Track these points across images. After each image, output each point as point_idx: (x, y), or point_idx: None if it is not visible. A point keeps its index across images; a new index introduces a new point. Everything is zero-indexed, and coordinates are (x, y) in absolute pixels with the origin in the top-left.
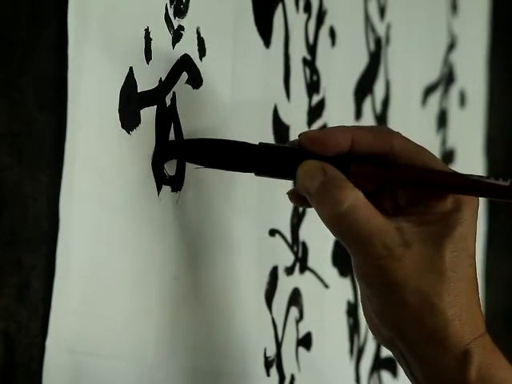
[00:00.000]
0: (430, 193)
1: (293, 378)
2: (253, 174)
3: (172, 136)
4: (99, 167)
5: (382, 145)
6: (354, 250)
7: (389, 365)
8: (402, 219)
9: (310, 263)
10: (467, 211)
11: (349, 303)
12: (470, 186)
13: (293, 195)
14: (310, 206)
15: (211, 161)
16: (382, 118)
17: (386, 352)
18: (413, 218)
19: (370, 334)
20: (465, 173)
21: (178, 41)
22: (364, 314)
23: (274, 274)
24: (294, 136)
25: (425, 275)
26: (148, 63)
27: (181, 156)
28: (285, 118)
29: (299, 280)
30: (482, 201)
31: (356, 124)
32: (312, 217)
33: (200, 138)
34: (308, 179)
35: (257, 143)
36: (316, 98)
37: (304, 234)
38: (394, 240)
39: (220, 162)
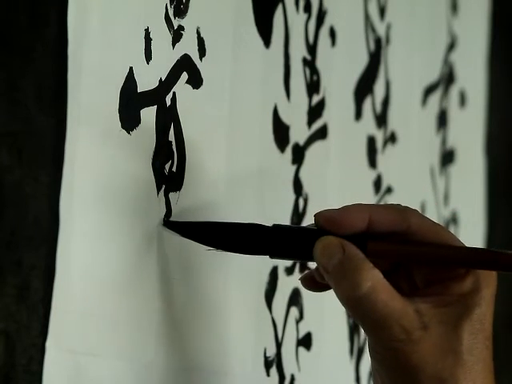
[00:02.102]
0: (449, 273)
1: (293, 378)
2: (267, 257)
3: (172, 136)
4: (99, 167)
5: (399, 223)
6: (370, 332)
7: None
8: (419, 300)
9: (310, 263)
10: (486, 292)
11: None
12: (490, 260)
13: (305, 280)
14: (324, 290)
15: (224, 244)
16: (382, 117)
17: None
18: (430, 298)
19: None
20: (483, 247)
21: (178, 41)
22: None
23: (273, 273)
24: (294, 136)
25: (442, 359)
26: (148, 63)
27: (194, 238)
28: (285, 118)
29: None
30: (481, 200)
31: (355, 124)
32: (312, 217)
33: (211, 221)
34: (326, 256)
35: (270, 225)
36: (316, 98)
37: None
38: (413, 323)
39: (233, 246)
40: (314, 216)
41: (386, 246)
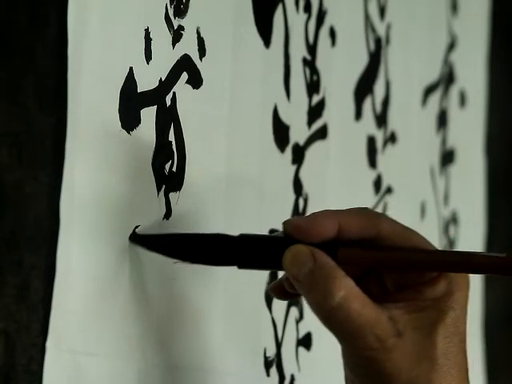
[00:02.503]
0: (421, 277)
1: (293, 378)
2: (236, 267)
3: (172, 136)
4: (99, 167)
5: (369, 229)
6: (344, 342)
7: None
8: (392, 306)
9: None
10: (459, 295)
11: None
12: (464, 262)
13: (275, 289)
14: (293, 298)
15: (191, 256)
16: (382, 117)
17: None
18: (403, 304)
19: None
20: (456, 250)
21: (178, 41)
22: None
23: (273, 273)
24: (294, 136)
25: (417, 364)
26: (148, 63)
27: (161, 251)
28: (285, 117)
29: None
30: (481, 200)
31: (355, 124)
32: None
33: (175, 233)
34: (296, 265)
35: (237, 234)
36: (316, 98)
37: None
38: (387, 331)
39: (200, 257)
40: (282, 224)
41: (356, 252)
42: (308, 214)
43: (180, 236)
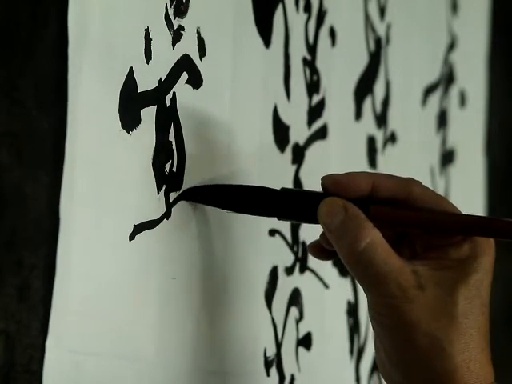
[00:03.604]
0: (447, 239)
1: (293, 378)
2: (275, 218)
3: (172, 136)
4: (99, 167)
5: (401, 191)
6: (368, 289)
7: None
8: (418, 263)
9: (310, 263)
10: (484, 259)
11: (349, 303)
12: (489, 226)
13: (313, 248)
14: (330, 259)
15: (234, 205)
16: (382, 117)
17: None
18: (429, 262)
19: (370, 334)
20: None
21: (178, 41)
22: (376, 359)
23: (273, 273)
24: (294, 136)
25: (437, 319)
26: (148, 63)
27: (204, 200)
28: (285, 117)
29: (299, 280)
30: (481, 200)
31: (355, 124)
32: None
33: (224, 184)
34: (329, 216)
35: (278, 188)
36: (316, 98)
37: (304, 233)
38: (409, 282)
39: (243, 207)
40: (321, 179)
41: (387, 209)
42: None
43: (226, 187)
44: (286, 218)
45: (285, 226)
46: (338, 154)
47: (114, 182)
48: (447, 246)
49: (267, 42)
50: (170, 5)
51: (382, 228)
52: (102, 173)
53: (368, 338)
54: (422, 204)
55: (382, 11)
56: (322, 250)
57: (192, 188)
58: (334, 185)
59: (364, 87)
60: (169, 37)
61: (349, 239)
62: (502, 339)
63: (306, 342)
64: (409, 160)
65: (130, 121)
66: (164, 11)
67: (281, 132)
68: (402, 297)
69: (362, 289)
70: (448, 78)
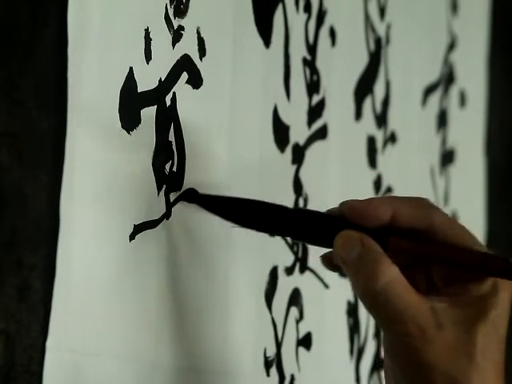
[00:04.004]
0: (468, 275)
1: (293, 378)
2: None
3: (172, 136)
4: (99, 167)
5: (422, 220)
6: (385, 327)
7: None
8: (435, 299)
9: (310, 263)
10: (503, 295)
11: (349, 303)
12: (508, 269)
13: (326, 260)
14: (344, 274)
15: (248, 221)
16: (382, 117)
17: None
18: (447, 298)
19: (370, 334)
20: (502, 255)
21: (178, 41)
22: None
23: (273, 273)
24: (294, 136)
25: (455, 358)
26: (148, 63)
27: (218, 213)
28: (285, 117)
29: (299, 280)
30: (481, 200)
31: (355, 124)
32: None
33: (237, 197)
34: (345, 249)
35: (291, 207)
36: (316, 98)
37: None
38: (428, 321)
39: (257, 224)
40: (340, 205)
41: (406, 243)
42: None
43: (238, 201)
44: (301, 239)
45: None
46: (338, 154)
47: (114, 181)
48: (468, 282)
49: (267, 42)
50: (170, 5)
51: (398, 256)
52: (102, 173)
53: (368, 338)
54: (442, 235)
55: (382, 11)
56: (333, 263)
57: (203, 196)
58: (352, 212)
59: (364, 87)
60: (169, 37)
61: (365, 276)
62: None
63: (305, 342)
64: (409, 160)
65: (130, 121)
66: (164, 11)
67: (281, 132)
68: (420, 337)
69: None
70: (448, 78)
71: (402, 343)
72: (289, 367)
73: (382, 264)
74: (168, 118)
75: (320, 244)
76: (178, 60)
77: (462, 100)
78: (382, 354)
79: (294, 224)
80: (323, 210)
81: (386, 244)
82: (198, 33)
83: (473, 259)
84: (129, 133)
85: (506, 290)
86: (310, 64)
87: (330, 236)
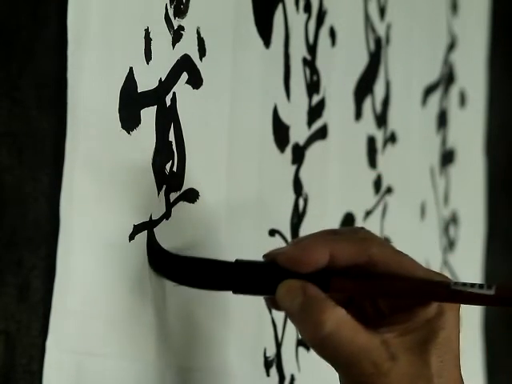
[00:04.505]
0: (413, 301)
1: (293, 378)
2: (230, 292)
3: (172, 136)
4: (99, 167)
5: (360, 255)
6: (339, 370)
7: None
8: (385, 330)
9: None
10: (450, 315)
11: None
12: (452, 295)
13: (270, 301)
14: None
15: (188, 279)
16: (382, 117)
17: None
18: (396, 327)
19: None
20: (447, 279)
21: (178, 41)
22: None
23: None
24: (294, 136)
25: None
26: (148, 63)
27: (157, 271)
28: (285, 118)
29: None
30: (481, 200)
31: (355, 124)
32: (312, 217)
33: (177, 254)
34: (288, 299)
35: (233, 260)
36: (316, 98)
37: (304, 234)
38: (381, 356)
39: (195, 281)
40: (276, 255)
41: (349, 282)
42: (308, 214)
43: (177, 258)
44: (243, 292)
45: (285, 226)
46: (338, 154)
47: (114, 181)
48: (414, 307)
49: (267, 42)
50: (170, 5)
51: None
52: (102, 173)
53: None
54: (382, 266)
55: (382, 11)
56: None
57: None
58: (289, 262)
59: (364, 87)
60: (169, 37)
61: (310, 324)
62: (502, 342)
63: None
64: (409, 160)
65: (130, 121)
66: (164, 11)
67: (281, 132)
68: (375, 373)
69: None
70: (448, 78)
71: (359, 382)
72: (289, 367)
73: (327, 309)
74: (168, 117)
75: (263, 293)
76: (177, 60)
77: (462, 100)
78: None
79: (234, 277)
80: (323, 209)
81: (328, 286)
82: (198, 33)
83: (414, 287)
84: (129, 133)
85: (452, 309)
86: (310, 64)
87: (272, 284)
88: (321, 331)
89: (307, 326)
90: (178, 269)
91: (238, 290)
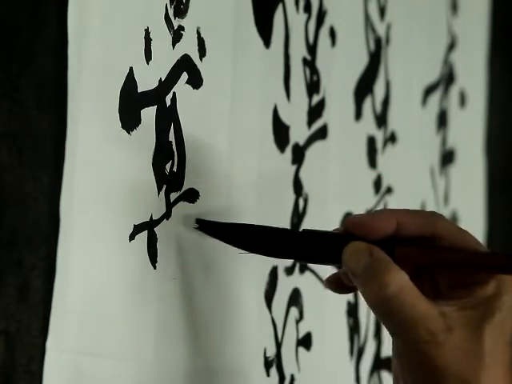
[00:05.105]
0: (472, 277)
1: (293, 378)
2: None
3: (172, 136)
4: (99, 167)
5: (425, 228)
6: (396, 333)
7: (389, 365)
8: (444, 303)
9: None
10: (507, 298)
11: (349, 303)
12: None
13: (332, 281)
14: (350, 292)
15: (256, 247)
16: (382, 117)
17: (385, 352)
18: (455, 301)
19: (370, 334)
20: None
21: (178, 41)
22: None
23: (273, 274)
24: (294, 136)
25: (465, 360)
26: (148, 63)
27: (225, 239)
28: (285, 118)
29: (299, 280)
30: (481, 200)
31: (355, 124)
32: (312, 217)
33: (245, 223)
34: (354, 260)
35: (301, 229)
36: (316, 98)
37: None
38: (438, 325)
39: (265, 249)
40: (344, 220)
41: (412, 250)
42: (308, 214)
43: (245, 226)
44: (309, 261)
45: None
46: (338, 154)
47: (114, 181)
48: (472, 285)
49: (267, 42)
50: (170, 5)
51: (405, 265)
52: (102, 173)
53: (368, 338)
54: (447, 240)
55: (382, 11)
56: (341, 284)
57: (208, 222)
58: (357, 227)
59: (364, 87)
60: (169, 37)
61: (375, 284)
62: None
63: (305, 342)
64: (409, 160)
65: (130, 121)
66: (164, 11)
67: (281, 132)
68: (431, 341)
69: None
70: (448, 78)
71: (414, 349)
72: (289, 367)
73: (391, 272)
74: (168, 117)
75: (329, 262)
76: (177, 60)
77: (462, 100)
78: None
79: (302, 246)
80: (323, 209)
81: (393, 253)
82: (198, 33)
83: (478, 259)
84: (129, 133)
85: (510, 292)
86: (310, 64)
87: (337, 253)
88: (384, 292)
89: (371, 287)
90: (244, 236)
91: (305, 258)
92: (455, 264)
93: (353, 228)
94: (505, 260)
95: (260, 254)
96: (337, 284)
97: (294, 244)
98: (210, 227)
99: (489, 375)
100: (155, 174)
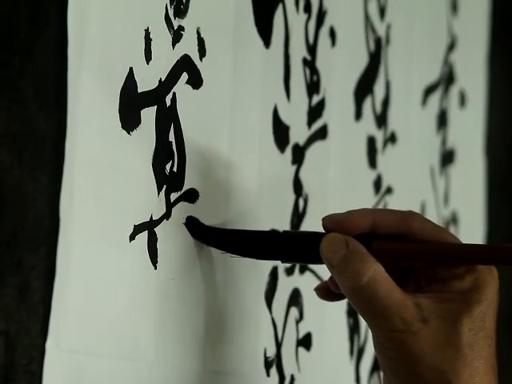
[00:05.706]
0: (450, 271)
1: (293, 378)
2: (279, 261)
3: (172, 136)
4: (99, 167)
5: (402, 226)
6: (372, 323)
7: None
8: (421, 296)
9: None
10: (487, 291)
11: (349, 303)
12: (489, 254)
13: (320, 289)
14: (338, 300)
15: (238, 249)
16: (382, 117)
17: None
18: (431, 294)
19: (370, 335)
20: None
21: (178, 41)
22: None
23: (273, 274)
24: (294, 136)
25: (442, 351)
26: (148, 63)
27: (207, 241)
28: (285, 118)
29: (299, 280)
30: (481, 200)
31: (355, 124)
32: (312, 217)
33: (225, 228)
34: (331, 251)
35: (281, 230)
36: (316, 98)
37: None
38: (412, 315)
39: (246, 251)
40: (322, 220)
41: (389, 244)
42: (308, 214)
43: (226, 231)
44: (290, 261)
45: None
46: (338, 154)
47: (114, 182)
48: (450, 279)
49: (267, 42)
50: (170, 5)
51: (386, 264)
52: (102, 173)
53: (368, 339)
54: (423, 237)
55: (382, 11)
56: (329, 291)
57: (198, 224)
58: (334, 225)
59: (364, 87)
60: (169, 37)
61: (351, 274)
62: (503, 342)
63: (305, 342)
64: (409, 160)
65: (130, 121)
66: (164, 11)
67: (281, 132)
68: (405, 330)
69: None
70: (448, 78)
71: (389, 338)
72: (289, 367)
73: (367, 262)
74: (168, 118)
75: (311, 261)
76: (178, 60)
77: (462, 100)
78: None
79: (283, 246)
80: (323, 210)
81: (370, 247)
82: (198, 33)
83: (453, 250)
84: (129, 133)
85: (489, 286)
86: (310, 64)
87: (317, 253)
88: (360, 281)
89: (347, 276)
90: (228, 240)
91: (287, 258)
92: (431, 256)
93: (331, 226)
94: (481, 250)
95: (245, 256)
96: (325, 292)
97: (276, 246)
98: (199, 229)
99: (467, 367)
100: (155, 174)
